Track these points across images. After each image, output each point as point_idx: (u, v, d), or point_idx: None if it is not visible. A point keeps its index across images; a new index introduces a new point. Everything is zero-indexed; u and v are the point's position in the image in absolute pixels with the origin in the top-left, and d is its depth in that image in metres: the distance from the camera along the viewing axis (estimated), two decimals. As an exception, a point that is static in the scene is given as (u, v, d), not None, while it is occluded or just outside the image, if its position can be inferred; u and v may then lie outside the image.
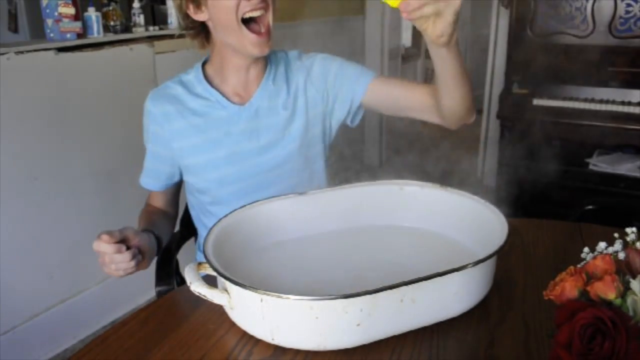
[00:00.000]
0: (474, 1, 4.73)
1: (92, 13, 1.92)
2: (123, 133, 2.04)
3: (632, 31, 2.53)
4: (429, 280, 0.70)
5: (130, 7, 2.15)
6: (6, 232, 1.75)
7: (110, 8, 2.06)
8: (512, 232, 0.80)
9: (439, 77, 0.91)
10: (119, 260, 0.88)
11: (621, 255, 0.61)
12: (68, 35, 1.85)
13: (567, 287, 0.59)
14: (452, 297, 0.75)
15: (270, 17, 1.02)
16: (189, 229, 1.31)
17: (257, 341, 0.74)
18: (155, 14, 2.52)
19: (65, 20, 1.83)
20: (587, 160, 2.63)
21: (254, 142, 1.11)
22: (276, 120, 1.11)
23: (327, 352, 0.71)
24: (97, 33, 1.95)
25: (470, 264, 0.73)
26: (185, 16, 1.06)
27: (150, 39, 2.14)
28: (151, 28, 2.18)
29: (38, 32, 2.24)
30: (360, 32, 3.64)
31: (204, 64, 1.14)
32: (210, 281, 0.78)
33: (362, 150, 3.86)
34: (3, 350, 1.79)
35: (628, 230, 0.63)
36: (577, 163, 2.64)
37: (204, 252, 0.78)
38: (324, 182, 1.20)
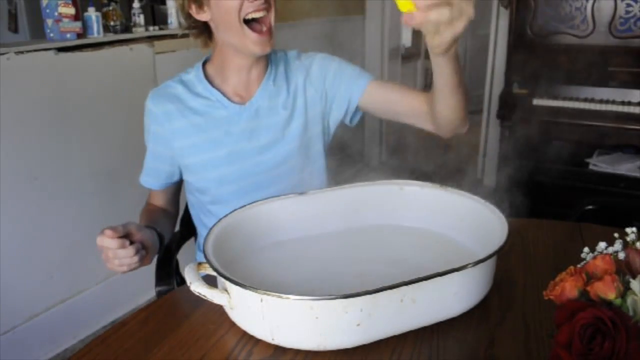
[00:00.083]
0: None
1: (92, 13, 1.92)
2: (123, 133, 2.04)
3: (632, 31, 2.53)
4: (429, 280, 0.70)
5: (130, 7, 2.15)
6: (6, 232, 1.75)
7: (110, 8, 2.06)
8: (512, 232, 0.80)
9: (436, 83, 0.92)
10: (122, 256, 0.88)
11: (621, 255, 0.61)
12: (68, 35, 1.85)
13: (567, 287, 0.59)
14: (452, 297, 0.75)
15: (272, 17, 1.03)
16: (189, 229, 1.31)
17: (257, 341, 0.74)
18: (155, 14, 2.52)
19: (65, 20, 1.83)
20: (587, 160, 2.63)
21: (254, 141, 1.11)
22: (276, 120, 1.12)
23: (327, 352, 0.71)
24: (97, 33, 1.95)
25: (470, 264, 0.73)
26: (188, 16, 1.06)
27: (150, 39, 2.14)
28: (151, 28, 2.18)
29: (38, 32, 2.24)
30: (360, 32, 3.64)
31: (204, 64, 1.14)
32: (210, 281, 0.78)
33: (362, 150, 3.86)
34: (3, 350, 1.79)
35: (628, 230, 0.63)
36: (577, 163, 2.64)
37: (204, 252, 0.78)
38: (324, 181, 1.20)
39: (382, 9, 3.56)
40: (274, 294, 0.67)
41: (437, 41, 0.72)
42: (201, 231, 1.24)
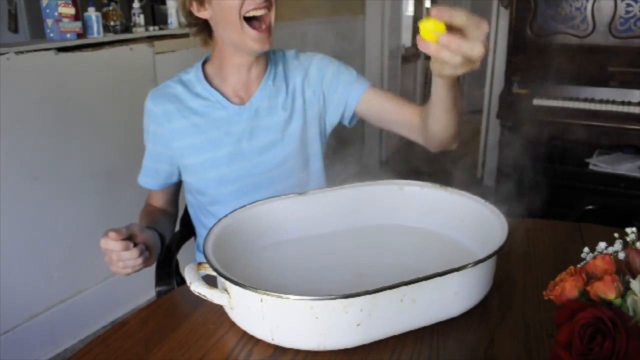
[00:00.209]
0: (474, 1, 4.73)
1: (92, 13, 1.92)
2: (123, 133, 2.04)
3: (632, 31, 2.53)
4: (429, 280, 0.70)
5: (130, 7, 2.15)
6: (6, 232, 1.75)
7: (110, 8, 2.06)
8: (512, 232, 0.80)
9: (432, 97, 0.92)
10: (126, 258, 0.88)
11: (621, 255, 0.61)
12: (68, 35, 1.85)
13: (567, 287, 0.59)
14: (452, 297, 0.75)
15: (272, 16, 1.03)
16: (188, 229, 1.31)
17: (257, 341, 0.74)
18: (155, 14, 2.52)
19: (65, 20, 1.83)
20: (587, 160, 2.63)
21: (254, 142, 1.11)
22: (276, 121, 1.12)
23: (327, 352, 0.71)
24: (97, 33, 1.95)
25: (470, 264, 0.73)
26: (189, 13, 1.06)
27: (150, 39, 2.14)
28: (151, 28, 2.18)
29: (38, 32, 2.24)
30: (360, 32, 3.64)
31: (204, 64, 1.14)
32: (210, 281, 0.78)
33: (362, 150, 3.86)
34: (3, 350, 1.79)
35: (628, 230, 0.63)
36: (577, 163, 2.64)
37: (204, 252, 0.78)
38: (323, 181, 1.20)
39: (382, 9, 3.56)
40: (273, 294, 0.67)
41: (437, 70, 0.73)
42: (200, 231, 1.24)
